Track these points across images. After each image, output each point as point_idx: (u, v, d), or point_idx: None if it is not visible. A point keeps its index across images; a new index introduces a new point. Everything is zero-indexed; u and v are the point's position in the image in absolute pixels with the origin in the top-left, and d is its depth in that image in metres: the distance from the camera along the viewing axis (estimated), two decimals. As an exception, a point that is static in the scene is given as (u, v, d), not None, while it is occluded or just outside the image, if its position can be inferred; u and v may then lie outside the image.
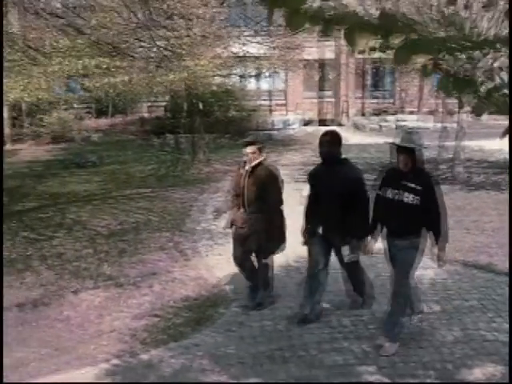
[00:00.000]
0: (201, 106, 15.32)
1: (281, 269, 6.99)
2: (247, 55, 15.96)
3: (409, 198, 4.75)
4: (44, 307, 6.21)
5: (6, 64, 5.52)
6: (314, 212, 5.49)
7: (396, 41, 1.53)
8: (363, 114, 23.03)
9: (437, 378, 4.48)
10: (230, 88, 19.73)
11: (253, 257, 6.04)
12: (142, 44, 8.14)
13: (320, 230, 5.42)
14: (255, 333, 5.49)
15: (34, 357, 5.07)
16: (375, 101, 23.36)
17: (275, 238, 5.82)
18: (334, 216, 5.23)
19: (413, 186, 4.74)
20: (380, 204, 5.01)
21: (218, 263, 7.43)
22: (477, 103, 1.78)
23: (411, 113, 21.78)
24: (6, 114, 18.24)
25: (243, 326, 5.66)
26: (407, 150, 4.75)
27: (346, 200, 5.14)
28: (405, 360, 4.78)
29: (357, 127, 21.83)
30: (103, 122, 22.67)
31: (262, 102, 21.62)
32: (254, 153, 5.78)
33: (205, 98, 16.77)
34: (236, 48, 15.51)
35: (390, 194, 4.88)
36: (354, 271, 5.62)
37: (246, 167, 5.85)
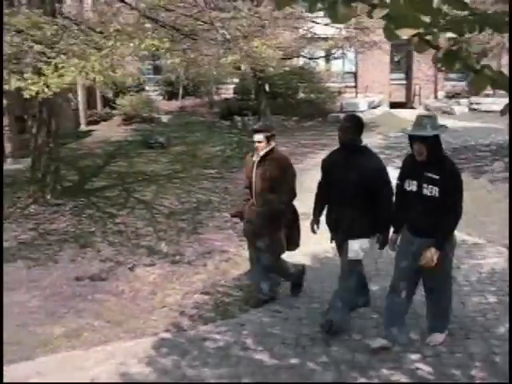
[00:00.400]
0: (267, 87, 15.29)
1: (333, 251, 6.95)
2: (315, 36, 15.78)
3: (428, 189, 4.28)
4: (101, 281, 6.45)
5: (64, 47, 5.75)
6: (323, 203, 5.18)
7: (379, 15, 1.47)
8: (436, 97, 22.32)
9: (482, 370, 4.35)
10: (299, 70, 19.58)
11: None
12: (205, 27, 8.19)
13: (336, 226, 5.00)
14: (302, 315, 5.51)
15: (87, 328, 5.29)
16: (449, 83, 22.55)
17: (285, 235, 5.50)
18: (346, 207, 4.84)
19: (430, 175, 4.26)
20: (400, 195, 4.62)
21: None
22: (472, 79, 1.68)
23: (487, 95, 20.85)
24: (80, 97, 18.90)
25: (291, 307, 5.69)
26: (420, 137, 4.27)
27: (362, 191, 4.73)
28: (451, 350, 4.66)
29: (429, 110, 21.20)
30: (174, 104, 23.09)
31: (332, 85, 21.34)
32: (261, 142, 5.34)
33: (272, 79, 16.76)
34: (304, 29, 15.38)
35: (408, 185, 4.45)
36: (350, 271, 5.00)
37: (254, 157, 5.49)
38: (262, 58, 7.53)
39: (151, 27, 8.92)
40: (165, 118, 20.60)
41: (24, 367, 4.57)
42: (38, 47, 6.00)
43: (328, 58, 19.91)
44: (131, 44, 5.34)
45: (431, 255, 4.27)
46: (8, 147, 13.95)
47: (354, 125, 4.90)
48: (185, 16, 8.68)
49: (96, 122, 20.08)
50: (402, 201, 4.58)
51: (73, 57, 5.87)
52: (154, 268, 6.90)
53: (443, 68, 1.70)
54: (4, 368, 4.53)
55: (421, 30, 1.57)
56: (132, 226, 8.70)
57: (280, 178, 5.34)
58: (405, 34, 1.55)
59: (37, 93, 5.45)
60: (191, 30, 8.65)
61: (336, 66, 22.65)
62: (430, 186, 4.27)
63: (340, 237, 5.02)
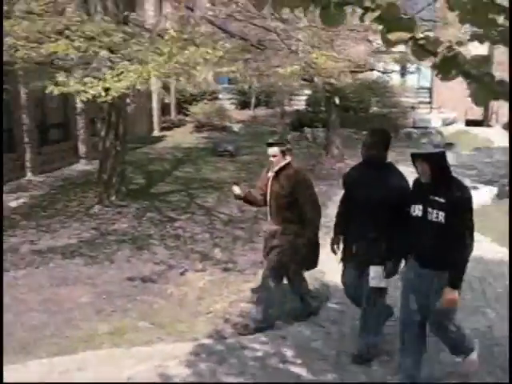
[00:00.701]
0: (337, 100, 15.17)
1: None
2: (389, 50, 15.54)
3: (433, 214, 3.91)
4: (151, 283, 6.57)
5: (127, 52, 5.96)
6: (345, 220, 4.85)
7: (370, 18, 1.42)
8: (516, 116, 21.40)
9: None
10: (372, 84, 19.33)
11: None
12: (270, 37, 8.26)
13: (353, 248, 4.68)
14: (345, 330, 5.39)
15: (131, 327, 5.39)
16: (530, 102, 21.56)
17: (300, 254, 5.18)
18: (367, 228, 4.51)
19: (436, 198, 3.90)
20: (406, 221, 4.19)
21: (327, 259, 7.34)
22: (474, 89, 1.58)
23: None
24: (154, 104, 19.45)
25: (335, 323, 5.59)
26: (422, 157, 3.97)
27: (384, 212, 4.39)
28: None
29: (507, 129, 20.35)
30: (246, 113, 23.37)
31: (405, 100, 20.91)
32: (275, 156, 5.11)
33: (343, 92, 16.63)
34: (378, 43, 15.16)
35: (414, 210, 4.06)
36: (374, 300, 4.67)
37: (269, 172, 5.26)
38: (324, 69, 7.48)
39: (218, 36, 9.08)
40: (236, 127, 20.85)
41: (66, 360, 4.72)
42: (104, 53, 6.24)
43: (402, 72, 19.56)
44: (186, 51, 5.45)
45: (450, 297, 3.91)
46: (82, 149, 14.58)
47: (379, 139, 4.59)
48: (253, 25, 8.78)
49: (169, 128, 20.61)
50: (408, 227, 4.17)
51: (137, 63, 6.05)
52: (205, 274, 6.96)
53: (439, 76, 1.62)
54: (46, 360, 4.71)
55: (415, 34, 1.50)
56: (189, 231, 8.83)
57: (296, 194, 5.07)
58: (397, 38, 1.48)
59: (94, 96, 5.66)
60: (258, 40, 8.73)
61: (411, 80, 22.19)
62: (436, 211, 3.90)
63: (356, 260, 4.70)
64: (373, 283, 4.56)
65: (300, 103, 22.46)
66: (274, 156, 5.13)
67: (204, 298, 6.21)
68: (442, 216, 3.88)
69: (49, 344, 5.01)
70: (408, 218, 4.13)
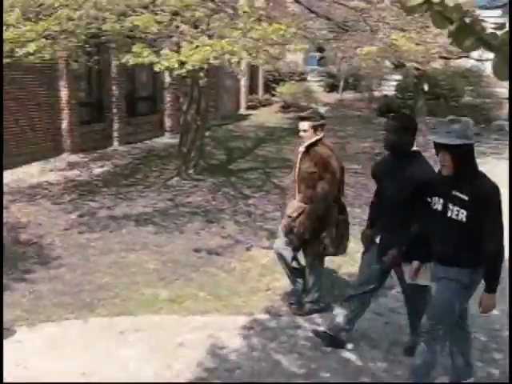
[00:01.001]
0: (426, 87, 14.68)
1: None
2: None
3: (453, 211, 3.54)
4: (216, 256, 6.71)
5: (205, 27, 6.03)
6: (375, 212, 4.53)
7: None
8: None
9: None
10: (466, 72, 18.50)
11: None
12: (352, 17, 8.07)
13: (377, 239, 4.40)
14: (403, 322, 5.27)
15: (190, 296, 5.56)
16: None
17: (321, 237, 4.97)
18: (390, 221, 4.23)
19: (458, 194, 3.51)
20: (426, 216, 3.84)
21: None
22: (495, 60, 1.45)
23: None
24: (242, 82, 19.59)
25: (394, 312, 5.48)
26: (444, 146, 3.51)
27: (407, 203, 4.02)
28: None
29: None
30: (333, 96, 23.12)
31: (501, 90, 19.82)
32: (306, 131, 4.88)
33: (435, 79, 16.08)
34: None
35: (434, 204, 3.70)
36: (416, 298, 4.48)
37: (300, 148, 5.01)
38: (405, 52, 7.21)
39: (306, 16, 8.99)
40: (322, 110, 20.60)
41: (124, 321, 4.95)
42: (185, 27, 6.35)
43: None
44: (259, 27, 5.44)
45: (488, 303, 3.60)
46: (168, 122, 15.00)
47: (402, 125, 4.19)
48: (337, 4, 8.62)
49: (255, 107, 20.76)
50: (427, 223, 3.85)
51: (216, 38, 6.11)
52: (271, 252, 6.99)
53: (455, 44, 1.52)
54: (106, 319, 4.95)
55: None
56: (262, 208, 8.89)
57: (319, 173, 4.84)
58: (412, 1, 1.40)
59: (167, 68, 5.81)
60: (344, 20, 8.57)
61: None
62: (457, 208, 3.53)
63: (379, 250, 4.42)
64: (409, 280, 4.30)
65: (390, 89, 21.91)
66: (305, 131, 4.92)
67: (265, 275, 6.27)
68: (463, 214, 3.51)
69: (111, 304, 5.27)
70: (429, 211, 3.79)
